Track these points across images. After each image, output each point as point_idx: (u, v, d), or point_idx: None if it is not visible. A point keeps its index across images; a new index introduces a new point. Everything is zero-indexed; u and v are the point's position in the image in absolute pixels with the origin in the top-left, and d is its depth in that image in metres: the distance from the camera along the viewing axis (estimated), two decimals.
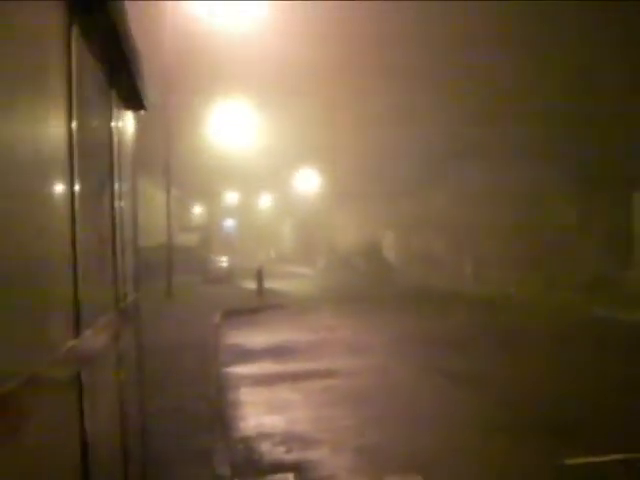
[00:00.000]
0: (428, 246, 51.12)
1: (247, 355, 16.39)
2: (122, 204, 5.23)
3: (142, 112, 6.42)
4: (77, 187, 3.35)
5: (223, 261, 48.02)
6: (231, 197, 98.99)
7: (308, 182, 74.71)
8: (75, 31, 3.41)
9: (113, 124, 4.98)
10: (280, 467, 8.11)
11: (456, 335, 18.46)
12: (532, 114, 33.40)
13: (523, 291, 30.33)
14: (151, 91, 6.08)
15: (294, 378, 13.35)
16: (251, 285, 34.53)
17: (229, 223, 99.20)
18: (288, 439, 9.23)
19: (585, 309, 23.48)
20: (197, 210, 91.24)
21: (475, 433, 9.37)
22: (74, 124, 3.34)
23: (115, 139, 5.01)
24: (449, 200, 46.30)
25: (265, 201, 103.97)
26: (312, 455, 8.52)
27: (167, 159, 30.46)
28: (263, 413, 10.79)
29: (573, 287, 29.28)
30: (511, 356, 15.25)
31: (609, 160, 28.26)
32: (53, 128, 3.12)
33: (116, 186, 4.93)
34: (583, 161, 30.10)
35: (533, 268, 34.68)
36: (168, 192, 31.36)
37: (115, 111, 5.06)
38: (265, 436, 9.44)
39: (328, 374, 13.60)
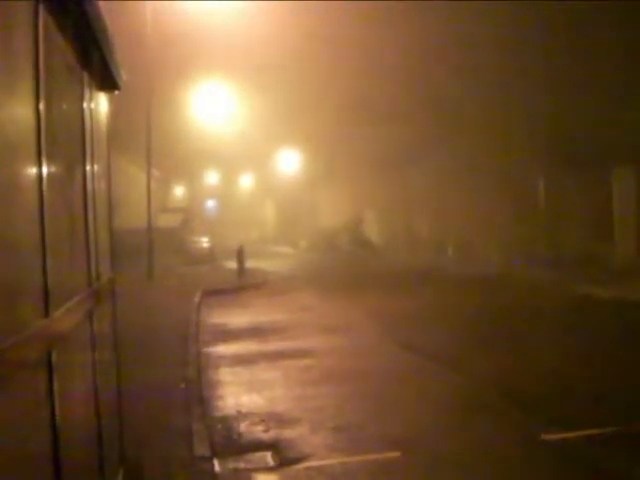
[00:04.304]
0: (410, 225, 51.20)
1: (227, 335, 16.42)
2: (96, 185, 5.21)
3: (116, 92, 6.39)
4: (45, 168, 3.34)
5: (204, 242, 47.98)
6: (212, 177, 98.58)
7: (289, 162, 74.59)
8: (42, 10, 3.38)
9: (85, 105, 4.95)
10: (259, 446, 8.16)
11: (437, 314, 18.54)
12: (513, 90, 33.41)
13: (504, 270, 30.48)
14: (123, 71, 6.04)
15: (273, 358, 13.39)
16: (233, 265, 34.51)
17: (210, 204, 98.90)
18: (267, 418, 9.28)
19: (566, 287, 23.64)
20: (178, 191, 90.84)
21: (452, 410, 9.46)
22: (42, 105, 3.32)
23: (87, 120, 4.97)
24: (431, 177, 46.34)
25: (246, 181, 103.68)
26: (290, 434, 8.58)
27: (148, 140, 30.28)
28: (242, 393, 10.84)
29: (555, 265, 29.46)
30: (490, 334, 15.35)
31: (589, 135, 28.32)
32: (20, 109, 3.11)
33: (89, 167, 4.91)
34: (564, 137, 30.14)
35: (515, 247, 34.82)
36: (148, 173, 31.23)
37: (87, 92, 5.02)
38: (244, 415, 9.49)
39: (307, 353, 13.65)
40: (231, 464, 7.58)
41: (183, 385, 10.78)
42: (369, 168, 53.77)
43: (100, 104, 5.92)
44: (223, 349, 14.67)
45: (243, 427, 8.95)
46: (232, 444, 8.29)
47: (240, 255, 32.32)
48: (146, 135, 30.24)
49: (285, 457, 7.75)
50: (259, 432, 8.71)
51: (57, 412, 3.29)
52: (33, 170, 3.24)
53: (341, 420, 9.11)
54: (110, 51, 5.14)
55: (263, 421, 9.14)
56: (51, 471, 3.26)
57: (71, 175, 4.48)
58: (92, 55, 4.98)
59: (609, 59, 27.26)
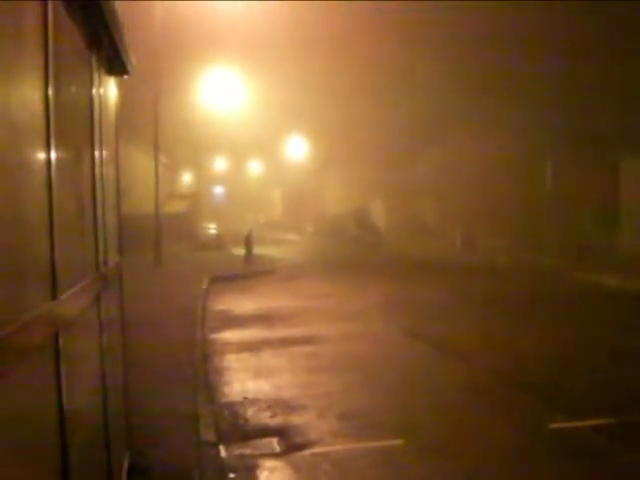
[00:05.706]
0: (417, 213, 51.15)
1: (234, 321, 16.43)
2: (104, 170, 5.20)
3: (125, 77, 6.38)
4: (54, 153, 3.33)
5: (212, 228, 48.03)
6: (220, 164, 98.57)
7: (297, 149, 74.60)
8: None
9: (94, 89, 4.93)
10: (265, 432, 8.17)
11: (442, 302, 18.55)
12: (520, 81, 33.33)
13: (510, 258, 30.45)
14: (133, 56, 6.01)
15: (280, 344, 13.40)
16: (240, 251, 34.51)
17: (218, 190, 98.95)
18: (273, 404, 9.29)
19: (570, 276, 23.64)
20: (186, 177, 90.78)
21: (458, 399, 9.45)
22: (50, 90, 3.31)
23: (96, 104, 4.95)
24: (439, 167, 46.27)
25: (254, 168, 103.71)
26: (297, 420, 8.59)
27: (155, 126, 30.23)
28: (249, 379, 10.85)
29: (560, 254, 29.44)
30: (493, 322, 15.34)
31: (596, 127, 28.24)
32: (29, 93, 3.10)
33: (97, 152, 4.89)
34: (570, 128, 30.09)
35: (521, 235, 34.78)
36: (156, 159, 31.17)
37: (96, 76, 5.00)
38: (250, 402, 9.50)
39: (314, 340, 13.66)
40: (237, 450, 7.59)
41: (190, 371, 10.79)
42: (376, 154, 53.69)
43: (109, 89, 5.91)
44: (230, 335, 14.68)
45: (249, 413, 8.97)
46: (238, 430, 8.30)
47: (248, 241, 32.30)
48: (154, 121, 30.19)
49: (291, 443, 7.76)
50: (265, 418, 8.73)
51: (64, 396, 3.29)
52: (42, 154, 3.23)
53: (347, 407, 9.13)
54: (119, 35, 5.11)
55: (269, 407, 9.16)
56: (58, 454, 3.26)
57: (79, 159, 4.47)
58: (101, 39, 4.96)
59: (622, 52, 27.18)
